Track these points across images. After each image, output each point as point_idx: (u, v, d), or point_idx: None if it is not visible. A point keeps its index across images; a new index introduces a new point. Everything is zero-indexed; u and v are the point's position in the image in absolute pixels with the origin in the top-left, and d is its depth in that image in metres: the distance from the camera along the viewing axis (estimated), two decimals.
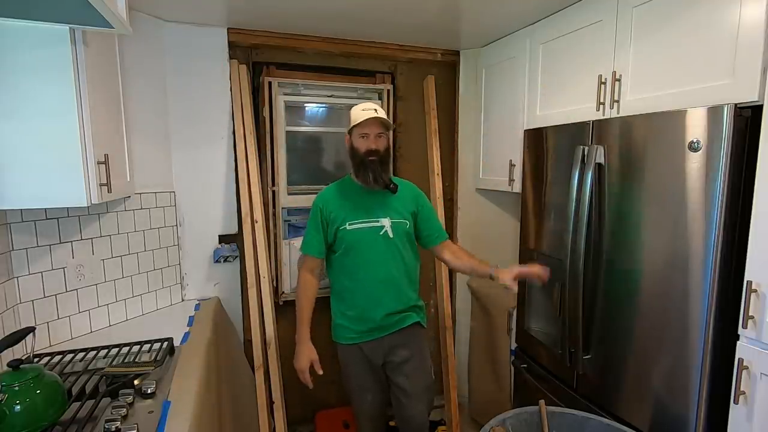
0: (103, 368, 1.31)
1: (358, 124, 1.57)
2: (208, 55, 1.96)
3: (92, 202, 1.28)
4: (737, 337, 1.10)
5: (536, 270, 1.51)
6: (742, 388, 1.08)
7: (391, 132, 1.66)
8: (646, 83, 1.37)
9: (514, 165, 1.99)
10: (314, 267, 1.66)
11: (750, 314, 1.06)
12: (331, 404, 2.39)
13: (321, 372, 1.63)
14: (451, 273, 2.46)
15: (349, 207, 1.61)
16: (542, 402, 1.26)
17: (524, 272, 1.52)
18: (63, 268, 1.55)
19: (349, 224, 1.58)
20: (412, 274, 1.69)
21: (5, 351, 1.12)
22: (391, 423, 1.86)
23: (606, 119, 1.44)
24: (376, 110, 1.57)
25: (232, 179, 2.06)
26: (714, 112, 1.10)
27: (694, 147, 1.14)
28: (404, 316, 1.65)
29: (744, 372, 1.08)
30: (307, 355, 1.63)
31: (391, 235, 1.59)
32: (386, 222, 1.59)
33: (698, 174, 1.13)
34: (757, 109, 1.06)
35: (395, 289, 1.62)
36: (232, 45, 2.00)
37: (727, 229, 1.11)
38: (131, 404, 1.14)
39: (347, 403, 1.81)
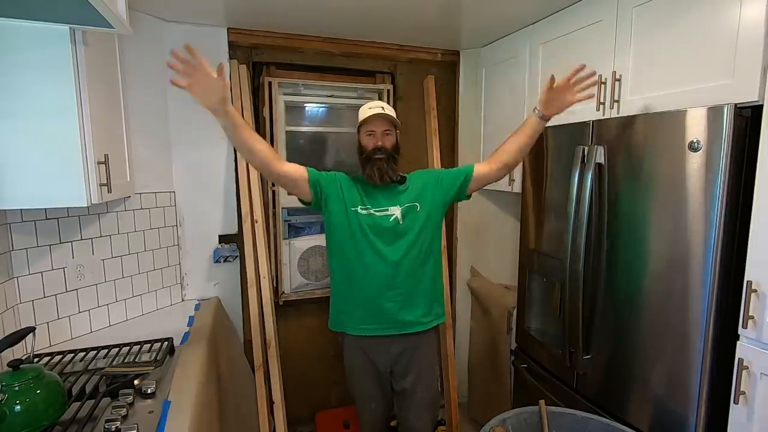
0: (103, 368, 1.31)
1: (364, 121, 1.55)
2: (208, 55, 1.90)
3: (92, 202, 1.28)
4: (737, 337, 1.10)
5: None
6: (742, 388, 1.08)
7: (398, 131, 1.61)
8: (646, 83, 1.37)
9: None
10: (296, 168, 1.47)
11: (750, 314, 1.06)
12: (331, 404, 2.39)
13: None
14: (451, 273, 2.46)
15: (360, 193, 1.57)
16: (542, 402, 1.26)
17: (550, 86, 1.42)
18: (63, 268, 1.55)
19: (361, 208, 1.54)
20: (421, 267, 1.58)
21: (5, 351, 1.11)
22: (392, 423, 1.86)
23: (606, 119, 1.44)
24: (383, 108, 1.56)
25: (232, 179, 2.06)
26: (714, 112, 1.10)
27: (694, 147, 1.14)
28: (413, 321, 1.56)
29: (744, 372, 1.08)
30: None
31: (401, 221, 1.55)
32: (396, 210, 1.56)
33: (698, 174, 1.13)
34: (757, 109, 1.06)
35: (402, 280, 1.54)
36: (232, 45, 2.00)
37: (727, 230, 1.10)
38: (131, 404, 1.14)
39: (347, 403, 1.80)
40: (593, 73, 1.41)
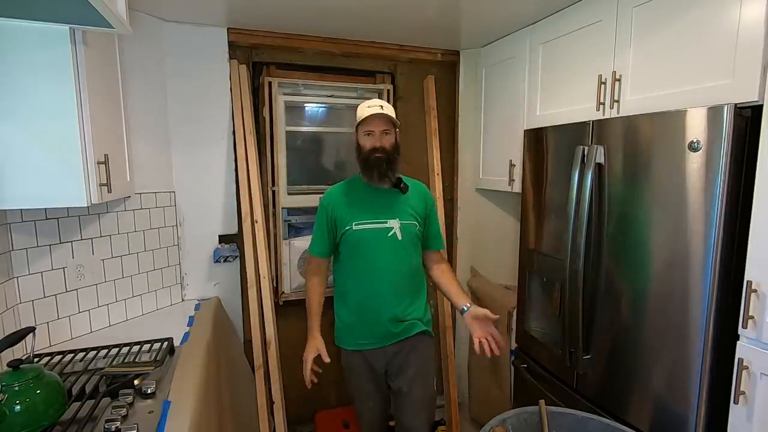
0: (103, 368, 1.31)
1: (362, 121, 1.51)
2: (208, 55, 1.96)
3: (92, 202, 1.28)
4: (737, 337, 1.10)
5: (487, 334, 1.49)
6: (742, 388, 1.08)
7: (397, 129, 1.59)
8: (646, 83, 1.37)
9: (514, 165, 1.99)
10: (320, 266, 1.64)
11: (750, 314, 1.06)
12: (331, 404, 2.39)
13: (327, 360, 1.57)
14: None
15: (357, 207, 1.55)
16: (542, 402, 1.26)
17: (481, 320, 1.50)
18: (63, 268, 1.55)
19: (356, 224, 1.52)
20: (420, 279, 1.64)
21: (5, 351, 1.11)
22: (391, 423, 1.85)
23: (606, 119, 1.44)
24: (382, 107, 1.51)
25: (232, 179, 2.06)
26: (714, 112, 1.10)
27: (694, 147, 1.14)
28: (410, 324, 1.58)
29: (744, 372, 1.08)
30: (313, 345, 1.60)
31: (399, 237, 1.53)
32: (395, 223, 1.53)
33: (698, 174, 1.13)
34: (757, 109, 1.06)
35: (401, 293, 1.56)
36: (232, 45, 2.00)
37: (727, 229, 1.11)
38: (131, 404, 1.14)
39: (347, 403, 1.81)
40: (498, 350, 1.47)
